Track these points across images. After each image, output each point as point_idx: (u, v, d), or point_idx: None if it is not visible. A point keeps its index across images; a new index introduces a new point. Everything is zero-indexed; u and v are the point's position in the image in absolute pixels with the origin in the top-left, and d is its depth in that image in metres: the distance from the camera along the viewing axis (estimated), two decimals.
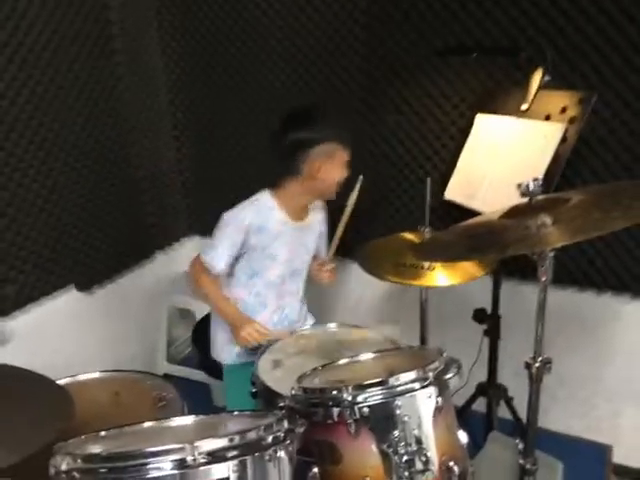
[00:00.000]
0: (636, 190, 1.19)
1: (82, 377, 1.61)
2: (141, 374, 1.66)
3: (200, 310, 2.46)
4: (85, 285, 2.25)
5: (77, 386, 1.52)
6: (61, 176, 2.06)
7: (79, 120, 2.10)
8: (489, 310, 1.95)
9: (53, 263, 2.09)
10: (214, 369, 2.00)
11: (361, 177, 1.76)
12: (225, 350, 1.91)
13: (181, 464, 0.84)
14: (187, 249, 2.78)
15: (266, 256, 1.80)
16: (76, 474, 0.84)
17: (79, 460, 0.86)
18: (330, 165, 1.71)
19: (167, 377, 2.29)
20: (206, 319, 2.01)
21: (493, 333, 1.97)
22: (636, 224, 1.05)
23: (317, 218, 1.90)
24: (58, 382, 1.31)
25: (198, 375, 2.52)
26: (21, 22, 1.85)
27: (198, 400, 1.46)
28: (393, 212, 2.27)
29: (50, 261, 2.08)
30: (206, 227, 2.65)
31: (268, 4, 2.20)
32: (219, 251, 1.77)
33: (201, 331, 2.02)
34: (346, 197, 1.77)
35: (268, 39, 2.25)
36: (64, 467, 0.86)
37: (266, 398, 1.51)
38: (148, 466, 0.85)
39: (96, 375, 1.63)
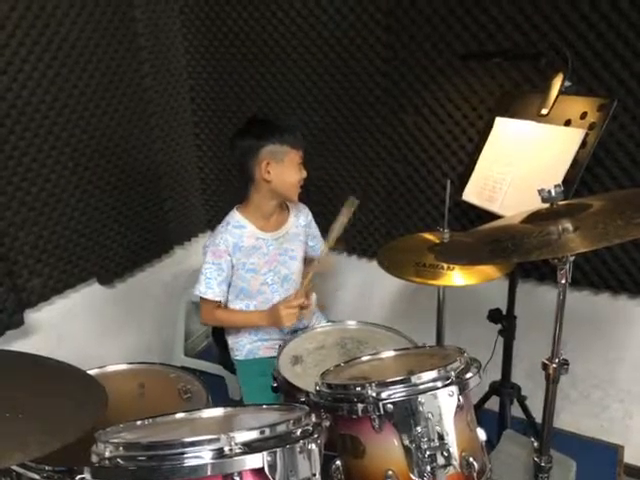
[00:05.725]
0: None
1: (108, 368, 1.63)
2: (165, 366, 1.67)
3: None
4: (107, 278, 2.30)
5: (103, 377, 1.54)
6: (86, 172, 2.11)
7: (104, 118, 2.15)
8: (503, 310, 1.98)
9: (77, 257, 2.14)
10: (231, 363, 2.05)
11: (352, 198, 1.80)
12: (237, 346, 1.96)
13: (218, 454, 0.87)
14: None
15: (246, 270, 1.86)
16: (120, 461, 0.88)
17: (121, 448, 0.90)
18: (279, 166, 1.76)
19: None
20: None
21: (508, 333, 1.98)
22: None
23: (299, 223, 1.94)
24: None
25: (214, 368, 2.56)
26: (50, 20, 1.90)
27: (215, 393, 1.49)
28: (410, 212, 2.29)
29: (74, 255, 2.13)
30: None
31: (289, 4, 2.22)
32: (209, 281, 1.82)
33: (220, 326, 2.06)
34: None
35: (290, 39, 2.27)
36: (107, 454, 0.90)
37: (287, 393, 1.55)
38: (186, 455, 0.88)
39: (122, 367, 1.65)
